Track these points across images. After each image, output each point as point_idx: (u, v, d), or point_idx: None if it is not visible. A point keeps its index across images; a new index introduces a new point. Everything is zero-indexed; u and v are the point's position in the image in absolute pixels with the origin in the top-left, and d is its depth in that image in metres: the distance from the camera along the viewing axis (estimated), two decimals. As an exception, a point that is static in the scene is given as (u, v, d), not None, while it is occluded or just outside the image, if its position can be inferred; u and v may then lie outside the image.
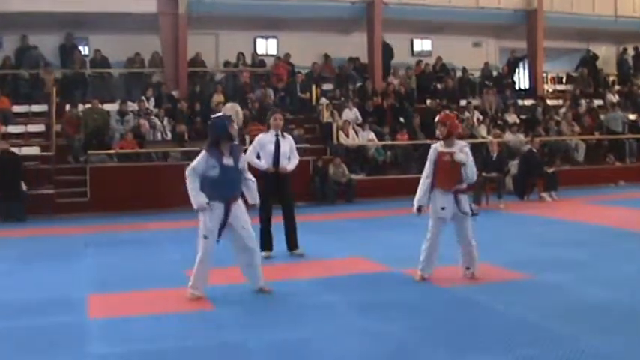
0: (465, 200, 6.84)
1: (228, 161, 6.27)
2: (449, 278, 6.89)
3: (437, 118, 7.04)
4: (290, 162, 8.40)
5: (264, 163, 8.32)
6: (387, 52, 19.04)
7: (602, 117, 19.00)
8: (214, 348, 4.99)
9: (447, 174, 6.74)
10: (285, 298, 6.44)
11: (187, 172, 6.26)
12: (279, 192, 8.38)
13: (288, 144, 8.43)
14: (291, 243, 8.50)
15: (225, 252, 7.42)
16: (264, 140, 8.40)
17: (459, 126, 7.33)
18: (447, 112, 8.14)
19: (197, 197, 6.18)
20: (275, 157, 8.29)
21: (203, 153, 6.30)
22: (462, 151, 6.76)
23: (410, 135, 16.49)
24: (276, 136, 8.37)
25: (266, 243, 8.29)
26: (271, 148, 8.31)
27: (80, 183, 13.85)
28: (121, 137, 14.71)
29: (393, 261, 7.84)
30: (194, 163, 6.28)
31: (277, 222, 8.46)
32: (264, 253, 8.03)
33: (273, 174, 8.28)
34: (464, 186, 6.84)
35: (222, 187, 6.23)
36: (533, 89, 20.38)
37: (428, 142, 16.30)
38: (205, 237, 6.25)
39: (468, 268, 6.91)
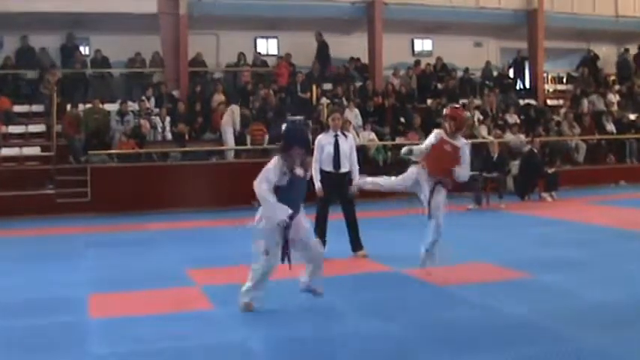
0: (442, 196, 6.82)
1: (299, 171, 5.69)
2: (449, 278, 6.89)
3: (445, 112, 7.05)
4: (353, 171, 8.19)
5: (323, 166, 8.12)
6: (323, 49, 18.79)
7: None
8: (214, 348, 4.99)
9: (440, 162, 6.77)
10: (286, 297, 6.44)
11: (261, 184, 5.53)
12: (340, 193, 8.25)
13: (348, 144, 8.23)
14: (355, 244, 8.37)
15: (224, 252, 7.44)
16: (324, 141, 8.21)
17: (465, 123, 7.40)
18: (455, 105, 8.10)
19: (281, 210, 5.50)
20: (335, 159, 8.12)
21: (277, 160, 5.63)
22: (464, 148, 6.80)
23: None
24: (336, 136, 8.19)
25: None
26: (330, 149, 8.12)
27: (81, 183, 13.84)
28: (121, 138, 14.71)
29: (393, 261, 7.85)
30: (268, 174, 5.56)
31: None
32: None
33: (334, 174, 8.12)
34: (448, 184, 6.89)
35: (289, 199, 5.61)
36: (534, 89, 20.38)
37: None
38: (267, 253, 5.69)
39: (427, 250, 6.90)
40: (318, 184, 8.11)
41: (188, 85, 17.24)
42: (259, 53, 19.12)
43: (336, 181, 8.15)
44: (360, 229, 8.46)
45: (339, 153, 8.13)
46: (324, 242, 8.14)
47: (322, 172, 8.14)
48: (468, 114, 17.20)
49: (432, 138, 6.89)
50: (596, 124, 18.55)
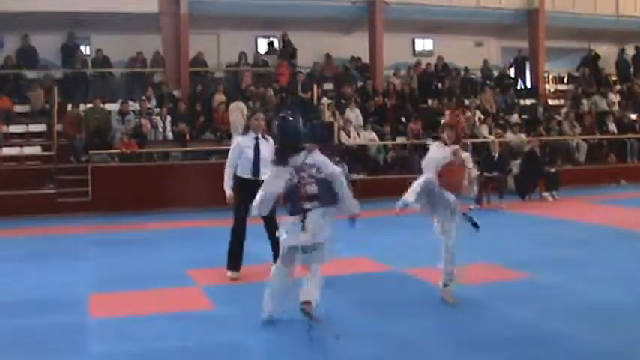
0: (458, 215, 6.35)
1: None
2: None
3: (446, 120, 6.44)
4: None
5: (240, 171, 7.33)
6: (289, 50, 18.68)
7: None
8: (214, 348, 5.00)
9: (457, 175, 6.19)
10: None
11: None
12: None
13: (268, 148, 7.16)
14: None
15: (225, 252, 7.43)
16: (243, 144, 7.34)
17: (464, 128, 7.01)
18: (454, 111, 7.54)
19: None
20: (255, 164, 7.26)
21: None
22: (461, 152, 6.23)
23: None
24: (256, 139, 7.31)
25: (233, 260, 7.30)
26: (250, 153, 7.27)
27: (82, 183, 13.85)
28: (122, 137, 14.71)
29: (394, 261, 7.85)
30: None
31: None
32: (229, 274, 7.23)
33: (252, 182, 7.06)
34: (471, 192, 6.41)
35: None
36: (535, 89, 20.39)
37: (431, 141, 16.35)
38: None
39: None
40: (229, 191, 7.29)
41: (189, 85, 17.25)
42: (259, 53, 19.11)
43: (254, 189, 6.82)
44: (362, 228, 8.38)
45: (259, 158, 7.26)
46: (238, 262, 7.31)
47: (238, 178, 7.30)
48: (469, 114, 17.22)
49: (445, 155, 6.13)
50: (599, 124, 18.55)
